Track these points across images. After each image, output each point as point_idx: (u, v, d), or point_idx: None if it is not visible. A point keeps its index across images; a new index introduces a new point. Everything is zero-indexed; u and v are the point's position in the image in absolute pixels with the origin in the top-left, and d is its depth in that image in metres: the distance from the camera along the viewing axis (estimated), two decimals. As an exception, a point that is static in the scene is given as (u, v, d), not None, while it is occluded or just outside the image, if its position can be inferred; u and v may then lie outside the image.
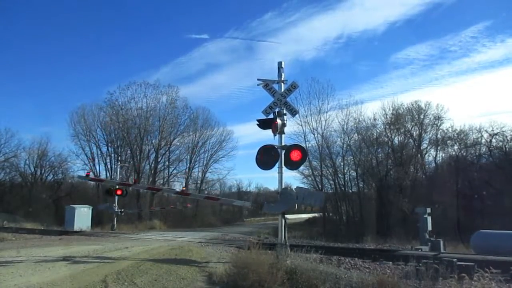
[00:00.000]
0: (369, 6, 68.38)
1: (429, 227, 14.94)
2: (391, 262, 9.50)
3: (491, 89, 60.26)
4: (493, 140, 30.06)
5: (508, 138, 29.27)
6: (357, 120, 34.39)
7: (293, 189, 8.97)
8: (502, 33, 62.23)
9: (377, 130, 34.66)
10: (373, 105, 69.71)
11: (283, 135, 8.91)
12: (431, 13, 65.42)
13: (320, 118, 34.93)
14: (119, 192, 22.93)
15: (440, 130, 33.03)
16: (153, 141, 40.43)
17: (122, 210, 24.02)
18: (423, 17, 64.45)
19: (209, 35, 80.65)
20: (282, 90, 9.10)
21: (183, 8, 79.99)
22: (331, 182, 34.79)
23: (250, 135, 78.95)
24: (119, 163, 30.45)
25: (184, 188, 18.31)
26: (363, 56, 74.71)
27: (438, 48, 63.96)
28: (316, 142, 34.82)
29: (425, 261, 7.29)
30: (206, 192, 46.29)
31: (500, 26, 60.72)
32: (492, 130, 29.80)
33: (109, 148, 40.90)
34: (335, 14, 72.60)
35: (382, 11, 70.10)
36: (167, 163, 41.58)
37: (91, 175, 42.42)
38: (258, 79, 9.15)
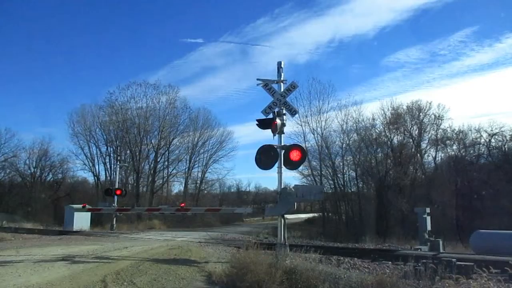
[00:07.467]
0: (358, 12, 69.91)
1: (428, 227, 14.95)
2: (390, 262, 9.48)
3: (484, 91, 61.34)
4: (492, 140, 30.16)
5: (507, 138, 29.36)
6: (357, 120, 34.52)
7: (291, 188, 8.98)
8: (489, 37, 63.16)
9: (376, 130, 34.79)
10: (371, 106, 70.15)
11: (282, 135, 8.89)
12: (419, 19, 66.66)
13: (320, 118, 35.00)
14: (118, 192, 23.02)
15: (440, 130, 33.15)
16: (152, 141, 40.53)
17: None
18: (411, 23, 65.63)
19: (204, 39, 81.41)
20: (282, 90, 9.09)
21: (177, 13, 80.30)
22: (331, 182, 34.83)
23: (249, 135, 79.13)
24: (118, 163, 30.40)
25: (183, 204, 18.28)
26: (355, 60, 75.69)
27: (428, 52, 65.00)
28: (316, 142, 34.91)
29: (424, 261, 7.29)
30: (205, 192, 46.40)
31: (487, 31, 61.92)
32: (491, 130, 29.92)
33: (109, 148, 40.98)
34: (326, 20, 73.86)
35: (372, 17, 71.56)
36: (166, 163, 41.64)
37: (91, 174, 42.74)
38: (257, 79, 9.14)
